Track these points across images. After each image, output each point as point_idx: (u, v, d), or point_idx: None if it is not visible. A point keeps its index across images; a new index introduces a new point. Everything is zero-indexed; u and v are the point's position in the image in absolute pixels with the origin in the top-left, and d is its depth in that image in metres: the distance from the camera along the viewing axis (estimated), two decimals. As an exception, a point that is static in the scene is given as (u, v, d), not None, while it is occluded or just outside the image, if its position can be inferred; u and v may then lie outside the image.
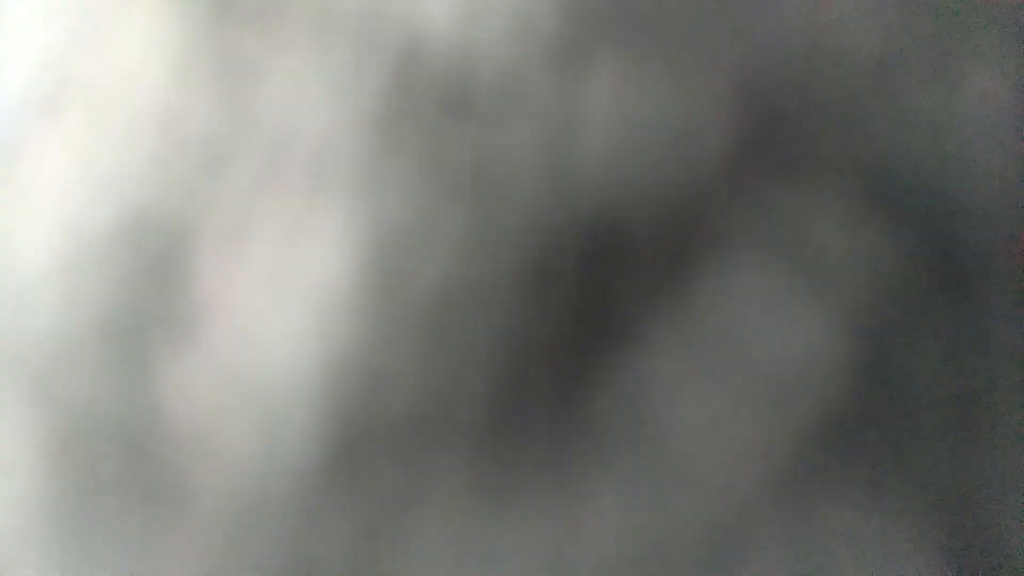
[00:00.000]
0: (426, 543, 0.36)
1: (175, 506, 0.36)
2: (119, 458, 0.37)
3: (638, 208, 0.39)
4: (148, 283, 0.38)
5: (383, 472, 0.37)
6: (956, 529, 0.36)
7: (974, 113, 0.40)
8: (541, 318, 0.38)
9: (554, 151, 0.40)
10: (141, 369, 0.38)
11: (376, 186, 0.39)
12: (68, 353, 0.38)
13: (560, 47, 0.40)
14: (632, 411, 0.38)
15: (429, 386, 0.38)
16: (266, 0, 0.41)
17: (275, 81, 0.40)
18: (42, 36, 0.41)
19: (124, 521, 0.36)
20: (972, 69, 0.40)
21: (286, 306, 0.38)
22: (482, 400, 0.38)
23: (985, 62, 0.40)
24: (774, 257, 0.39)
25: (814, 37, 0.41)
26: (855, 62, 0.40)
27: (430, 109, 0.40)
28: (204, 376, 0.38)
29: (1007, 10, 0.41)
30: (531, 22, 0.40)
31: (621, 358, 0.38)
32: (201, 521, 0.36)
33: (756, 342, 0.38)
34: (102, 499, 0.36)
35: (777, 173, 0.39)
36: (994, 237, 0.39)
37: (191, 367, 0.38)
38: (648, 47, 0.41)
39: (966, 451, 0.37)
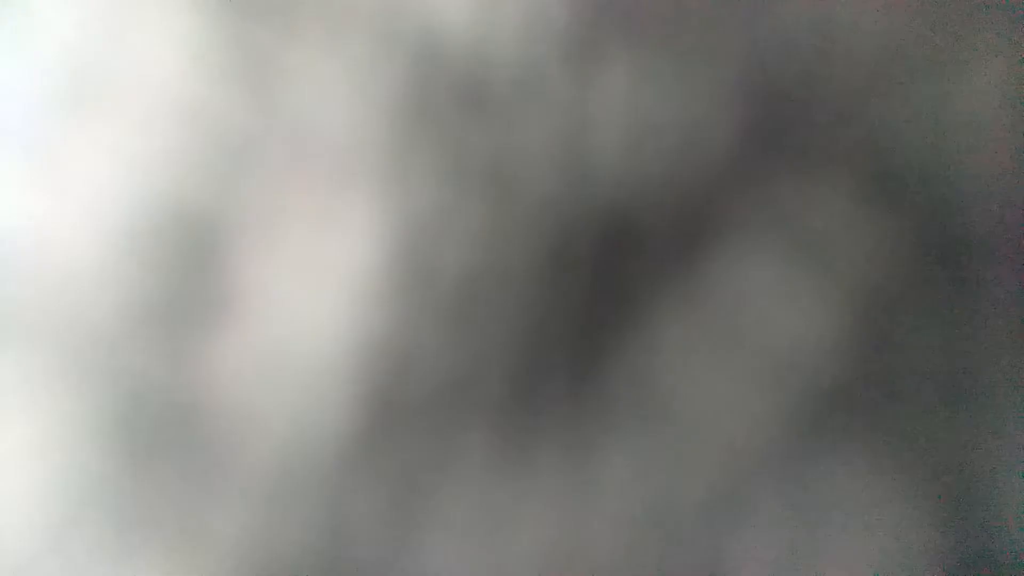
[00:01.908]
0: (451, 505, 0.39)
1: (219, 474, 0.39)
2: (167, 431, 0.39)
3: (649, 198, 0.41)
4: (184, 269, 0.41)
5: (411, 443, 0.39)
6: (952, 496, 0.38)
7: (973, 106, 0.42)
8: (557, 301, 0.40)
9: (569, 143, 0.42)
10: (185, 350, 0.40)
11: (400, 177, 0.41)
12: (110, 335, 0.40)
13: (574, 43, 0.42)
14: (642, 384, 0.40)
15: (453, 363, 0.40)
16: None
17: (296, 76, 0.42)
18: (72, 37, 0.43)
19: (173, 488, 0.38)
20: (971, 64, 0.42)
21: (318, 290, 0.40)
22: (503, 376, 0.40)
23: (984, 57, 0.43)
24: (779, 243, 0.41)
25: (819, 34, 0.43)
26: (858, 58, 0.42)
27: (448, 103, 0.42)
28: (243, 355, 0.40)
29: (1006, 7, 0.43)
30: (546, 19, 0.42)
31: (632, 337, 0.40)
32: (242, 488, 0.39)
33: (761, 321, 0.40)
34: (152, 468, 0.39)
35: (783, 164, 0.41)
36: (990, 224, 0.41)
37: (230, 347, 0.40)
38: (659, 44, 0.43)
39: (963, 424, 0.39)
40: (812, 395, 0.39)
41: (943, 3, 0.43)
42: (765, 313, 0.40)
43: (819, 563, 0.38)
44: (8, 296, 0.40)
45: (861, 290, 0.40)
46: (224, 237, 0.40)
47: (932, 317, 0.40)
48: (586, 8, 0.43)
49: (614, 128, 0.42)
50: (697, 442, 0.39)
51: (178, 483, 0.38)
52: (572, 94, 0.42)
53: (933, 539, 0.38)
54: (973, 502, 0.38)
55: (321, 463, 0.39)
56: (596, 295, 0.40)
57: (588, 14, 0.43)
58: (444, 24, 0.43)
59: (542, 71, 0.42)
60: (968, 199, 0.41)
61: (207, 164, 0.41)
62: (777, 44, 0.43)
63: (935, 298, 0.40)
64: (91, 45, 0.42)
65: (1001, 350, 0.39)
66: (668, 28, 0.43)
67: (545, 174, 0.41)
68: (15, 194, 0.40)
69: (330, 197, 0.41)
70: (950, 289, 0.40)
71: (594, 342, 0.40)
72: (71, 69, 0.41)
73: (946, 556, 0.38)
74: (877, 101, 0.42)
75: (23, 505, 0.38)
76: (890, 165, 0.41)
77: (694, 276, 0.41)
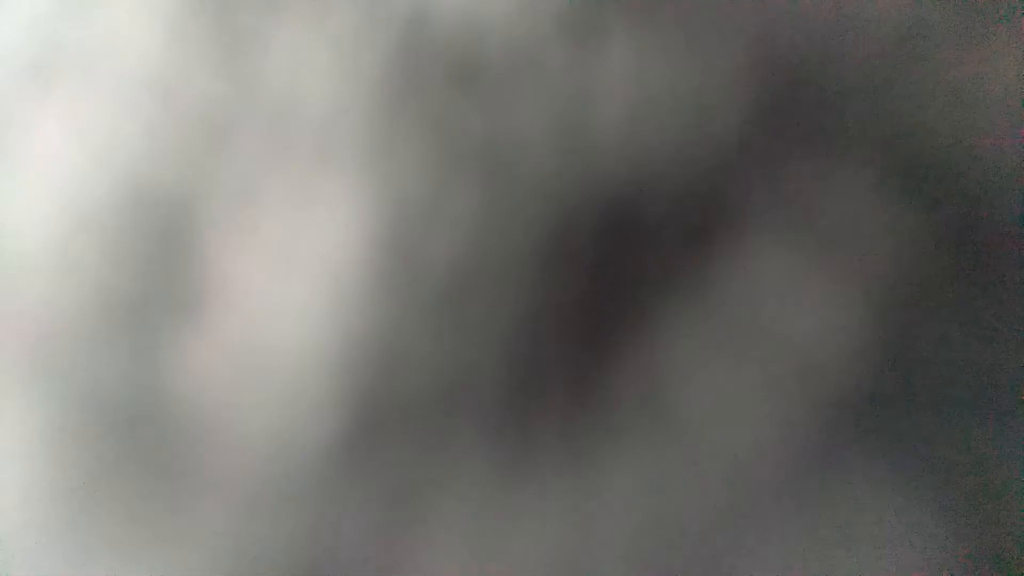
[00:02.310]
0: (443, 519, 0.36)
1: (186, 489, 0.35)
2: (125, 440, 0.35)
3: (654, 184, 0.39)
4: (151, 257, 0.37)
5: (398, 450, 0.36)
6: (978, 517, 0.36)
7: (996, 90, 0.39)
8: (556, 295, 0.38)
9: (568, 124, 0.39)
10: (146, 347, 0.36)
11: (385, 159, 0.38)
12: (68, 330, 0.36)
13: (574, 13, 0.39)
14: (647, 388, 0.37)
15: (444, 363, 0.37)
16: (272, -35, 0.39)
17: (277, 50, 0.39)
18: (42, 6, 0.39)
19: (133, 505, 0.35)
20: (993, 45, 0.40)
21: (298, 282, 0.37)
22: (498, 377, 0.37)
23: (1006, 38, 0.40)
24: (793, 233, 0.38)
25: (835, 6, 0.40)
26: (877, 33, 0.40)
27: (438, 80, 0.39)
28: (212, 354, 0.36)
29: None
30: None
31: (638, 336, 0.37)
32: (215, 504, 0.35)
33: (775, 320, 0.37)
34: (108, 483, 0.35)
35: (797, 147, 0.39)
36: (1017, 216, 0.39)
37: (198, 344, 0.36)
38: (665, 16, 0.40)
39: (989, 430, 0.36)
40: (830, 401, 0.37)
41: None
42: (780, 311, 0.37)
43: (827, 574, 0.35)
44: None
45: (882, 286, 0.38)
46: (197, 223, 0.37)
47: (958, 316, 0.37)
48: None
49: (617, 107, 0.39)
50: (707, 452, 0.36)
51: (150, 490, 0.35)
52: (572, 69, 0.39)
53: (955, 552, 0.35)
54: (999, 513, 0.36)
55: (303, 469, 0.36)
56: (598, 289, 0.38)
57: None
58: (433, -7, 0.39)
59: (540, 44, 0.39)
60: (995, 188, 0.39)
61: (180, 144, 0.38)
62: (791, 18, 0.40)
63: (961, 295, 0.37)
64: (61, 15, 0.38)
65: (1034, 350, 0.37)
66: (674, 3, 0.40)
67: (543, 157, 0.38)
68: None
69: (311, 180, 0.38)
70: (977, 286, 0.38)
71: (596, 341, 0.37)
72: (37, 40, 0.38)
73: (968, 570, 0.35)
74: (897, 83, 0.39)
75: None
76: (911, 151, 0.39)
77: (704, 269, 0.38)
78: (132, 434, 0.35)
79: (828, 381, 0.37)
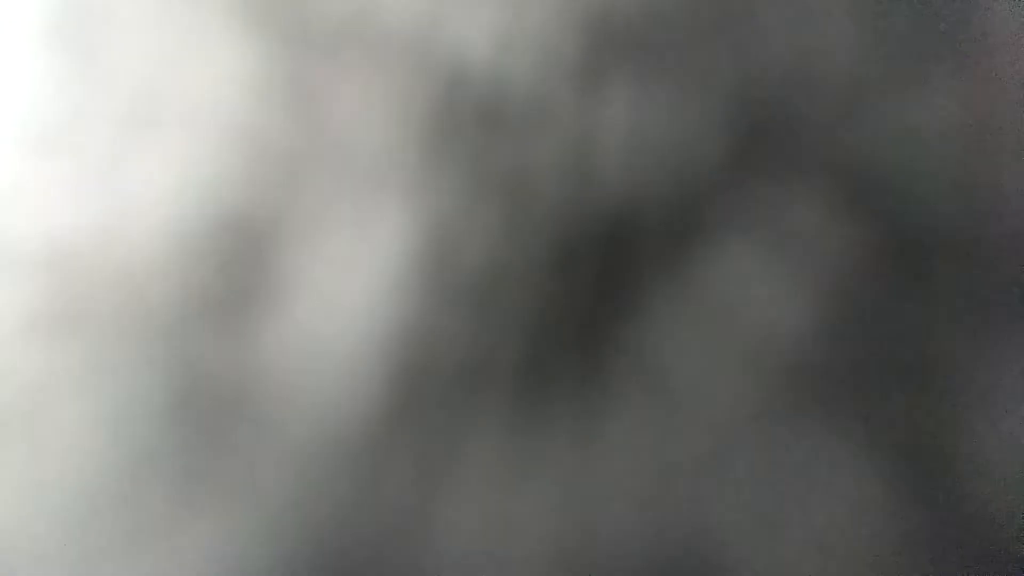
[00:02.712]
0: (471, 466, 0.42)
1: (266, 445, 0.42)
2: (220, 408, 0.43)
3: (646, 203, 0.45)
4: (241, 267, 0.45)
5: (434, 414, 0.43)
6: (901, 453, 0.42)
7: (925, 122, 0.46)
8: (565, 291, 0.44)
9: (575, 157, 0.46)
10: (237, 336, 0.43)
11: (429, 186, 0.46)
12: (182, 326, 0.44)
13: (581, 72, 0.47)
14: (639, 361, 0.44)
15: (473, 345, 0.43)
16: (333, 30, 0.48)
17: (339, 101, 0.47)
18: (143, 66, 0.48)
19: (225, 458, 0.42)
20: (921, 88, 0.47)
21: (355, 283, 0.44)
22: (517, 355, 0.43)
23: (932, 80, 0.47)
24: (760, 241, 0.45)
25: (795, 61, 0.48)
26: (830, 82, 0.47)
27: (471, 123, 0.46)
28: (288, 340, 0.44)
29: (953, 38, 0.48)
30: (557, 52, 0.47)
31: (631, 321, 0.44)
32: (287, 456, 0.42)
33: (743, 308, 0.44)
34: (207, 441, 0.42)
35: (763, 174, 0.46)
36: (943, 226, 0.45)
37: (277, 333, 0.43)
38: (656, 72, 0.47)
39: (919, 403, 0.43)
40: (785, 371, 0.43)
41: (903, 37, 0.47)
42: (747, 301, 0.44)
43: (786, 510, 0.42)
44: (74, 288, 0.44)
45: (830, 282, 0.44)
46: (273, 238, 0.44)
47: (891, 307, 0.44)
48: (593, 44, 0.48)
49: (615, 144, 0.46)
50: (686, 410, 0.43)
51: (230, 453, 0.42)
52: (579, 115, 0.46)
53: (884, 490, 0.42)
54: (920, 459, 0.42)
55: (355, 431, 0.42)
56: (599, 286, 0.44)
57: (594, 49, 0.48)
58: (469, 54, 0.48)
59: (553, 95, 0.47)
60: (923, 204, 0.45)
61: (259, 176, 0.45)
62: (759, 72, 0.47)
63: (894, 290, 0.44)
64: (160, 74, 0.47)
65: (950, 337, 0.44)
66: (663, 61, 0.47)
67: (554, 183, 0.46)
68: (83, 200, 0.45)
69: (367, 203, 0.45)
70: (906, 283, 0.44)
71: (597, 325, 0.44)
72: (142, 94, 0.47)
73: (895, 505, 0.41)
74: (847, 120, 0.46)
75: (96, 467, 0.42)
76: (857, 175, 0.46)
77: (685, 269, 0.45)
78: (218, 405, 0.43)
79: (783, 356, 0.44)
